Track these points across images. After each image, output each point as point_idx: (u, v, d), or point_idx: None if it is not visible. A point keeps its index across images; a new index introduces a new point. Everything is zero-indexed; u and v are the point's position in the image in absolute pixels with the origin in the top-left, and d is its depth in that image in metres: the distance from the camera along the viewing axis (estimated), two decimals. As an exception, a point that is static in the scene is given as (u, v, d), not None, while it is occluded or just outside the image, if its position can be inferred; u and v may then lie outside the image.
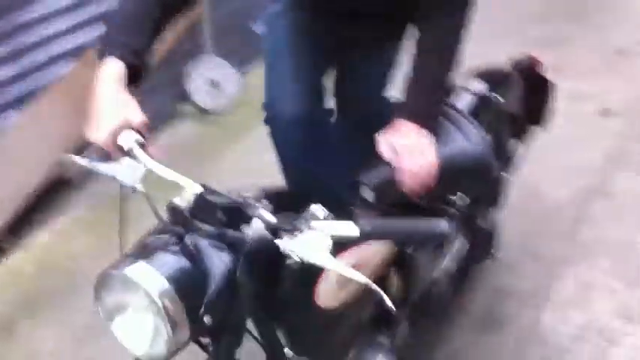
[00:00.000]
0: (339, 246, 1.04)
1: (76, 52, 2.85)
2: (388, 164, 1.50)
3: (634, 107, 3.29)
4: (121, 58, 1.26)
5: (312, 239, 1.02)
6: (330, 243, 1.01)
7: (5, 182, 2.58)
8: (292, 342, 1.34)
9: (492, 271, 2.36)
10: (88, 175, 2.87)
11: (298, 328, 1.35)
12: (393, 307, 0.96)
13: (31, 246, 2.65)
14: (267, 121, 1.83)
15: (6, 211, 2.59)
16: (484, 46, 2.79)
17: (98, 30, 2.91)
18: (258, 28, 3.53)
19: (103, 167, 1.16)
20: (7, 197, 2.60)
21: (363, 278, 0.99)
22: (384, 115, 1.62)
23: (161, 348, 1.04)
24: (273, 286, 1.21)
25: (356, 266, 1.04)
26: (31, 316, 2.36)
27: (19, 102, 2.70)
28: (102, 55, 1.27)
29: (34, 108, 2.70)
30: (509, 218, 2.32)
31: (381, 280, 1.55)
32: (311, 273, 1.21)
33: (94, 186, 2.88)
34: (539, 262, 2.44)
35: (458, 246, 1.98)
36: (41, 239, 2.68)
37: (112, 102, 1.21)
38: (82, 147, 2.74)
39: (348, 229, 1.02)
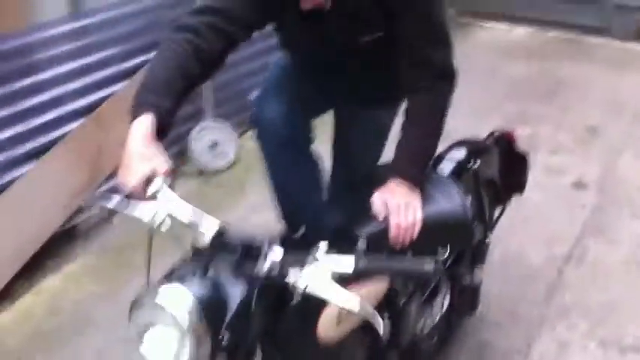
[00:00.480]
0: (340, 283, 1.19)
1: (85, 111, 3.00)
2: (381, 219, 1.69)
3: (605, 181, 3.48)
4: (151, 115, 1.44)
5: (316, 272, 1.18)
6: (331, 275, 1.18)
7: (18, 232, 2.71)
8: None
9: (474, 327, 2.48)
10: (95, 225, 3.05)
11: None
12: (383, 331, 1.12)
13: (42, 290, 2.76)
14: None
15: (20, 258, 2.72)
16: (466, 122, 3.03)
17: (105, 92, 3.10)
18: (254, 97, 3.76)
19: (135, 209, 1.29)
20: (20, 246, 2.72)
21: (359, 304, 1.15)
22: (374, 173, 1.83)
23: None
24: (280, 318, 1.35)
25: None
26: (37, 357, 2.43)
27: (31, 158, 2.81)
28: (135, 112, 1.45)
29: (47, 160, 2.83)
30: (489, 280, 2.43)
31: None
32: (314, 307, 1.36)
33: (100, 235, 3.03)
34: (519, 321, 2.55)
35: (444, 300, 2.12)
36: (51, 284, 2.79)
37: (142, 152, 1.37)
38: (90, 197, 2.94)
39: (348, 262, 1.19)
